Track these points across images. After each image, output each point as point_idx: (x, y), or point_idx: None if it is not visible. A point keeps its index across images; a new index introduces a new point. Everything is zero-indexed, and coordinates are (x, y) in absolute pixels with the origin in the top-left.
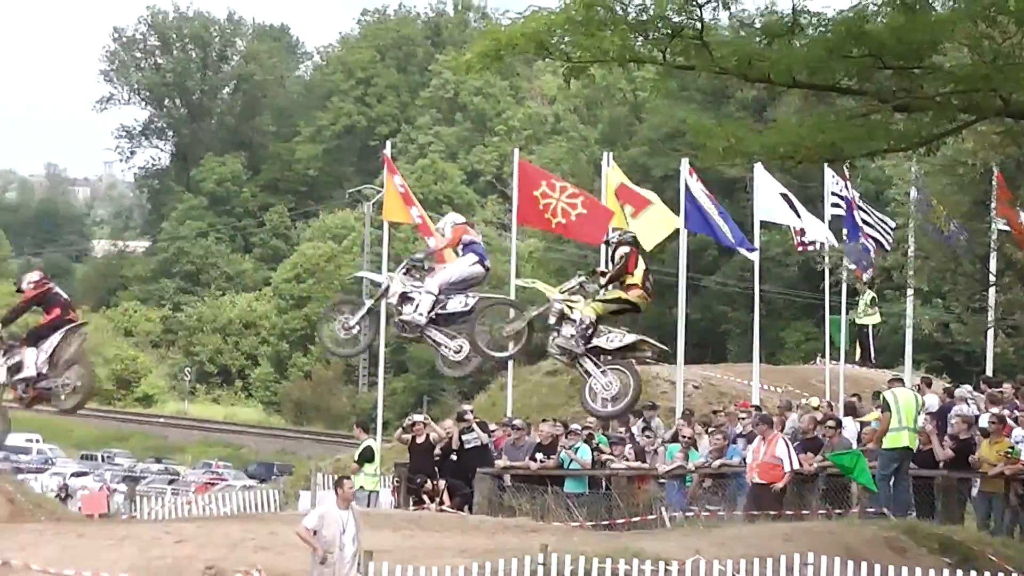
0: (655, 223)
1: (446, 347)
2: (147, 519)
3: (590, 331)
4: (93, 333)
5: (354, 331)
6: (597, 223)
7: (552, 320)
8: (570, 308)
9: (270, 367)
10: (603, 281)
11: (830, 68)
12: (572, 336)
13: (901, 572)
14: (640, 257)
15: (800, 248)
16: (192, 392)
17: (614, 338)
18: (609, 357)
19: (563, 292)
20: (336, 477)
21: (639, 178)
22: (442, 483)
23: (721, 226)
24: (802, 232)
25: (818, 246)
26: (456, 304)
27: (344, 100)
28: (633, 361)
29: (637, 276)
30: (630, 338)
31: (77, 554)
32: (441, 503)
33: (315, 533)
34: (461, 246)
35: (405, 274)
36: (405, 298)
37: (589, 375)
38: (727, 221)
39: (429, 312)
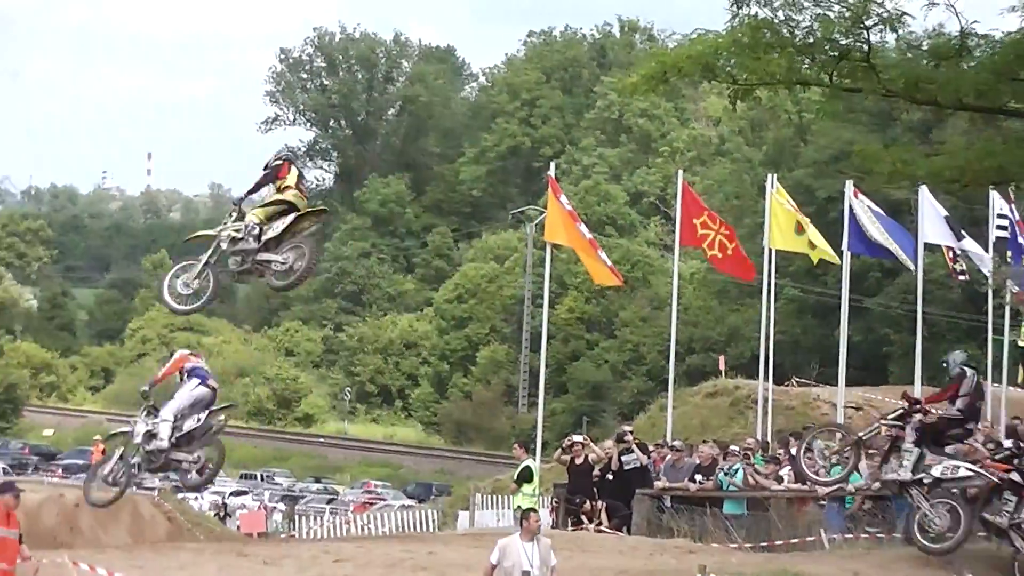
0: (819, 238)
1: (187, 463)
2: (306, 538)
3: (258, 231)
4: (254, 352)
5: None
6: (743, 267)
7: (225, 246)
8: (236, 231)
9: (430, 387)
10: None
11: (998, 90)
12: (248, 243)
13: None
14: (292, 166)
15: (952, 275)
16: (352, 412)
17: (277, 226)
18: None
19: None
20: (523, 510)
21: (803, 200)
22: (601, 504)
23: (889, 245)
24: (955, 259)
25: (967, 275)
26: (191, 423)
27: (509, 121)
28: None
29: (291, 180)
30: (288, 218)
31: (236, 573)
32: (599, 524)
33: (495, 566)
34: (185, 373)
35: (147, 415)
36: (149, 436)
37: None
38: (900, 237)
39: (170, 437)
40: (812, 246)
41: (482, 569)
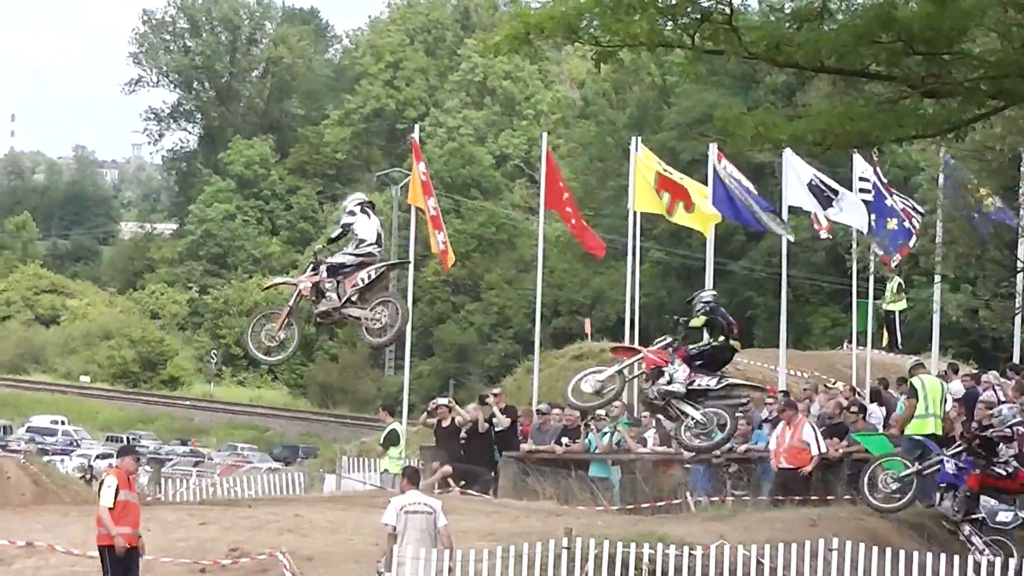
0: (694, 220)
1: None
2: (172, 501)
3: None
4: (119, 315)
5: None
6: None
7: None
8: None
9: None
10: None
11: (859, 54)
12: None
13: (926, 558)
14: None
15: (819, 231)
16: (218, 375)
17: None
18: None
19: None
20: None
21: (667, 163)
22: (448, 468)
23: (752, 210)
24: (817, 219)
25: (831, 237)
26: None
27: (373, 83)
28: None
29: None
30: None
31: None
32: (448, 488)
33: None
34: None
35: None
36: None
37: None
38: (759, 204)
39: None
40: (676, 208)
41: (382, 531)
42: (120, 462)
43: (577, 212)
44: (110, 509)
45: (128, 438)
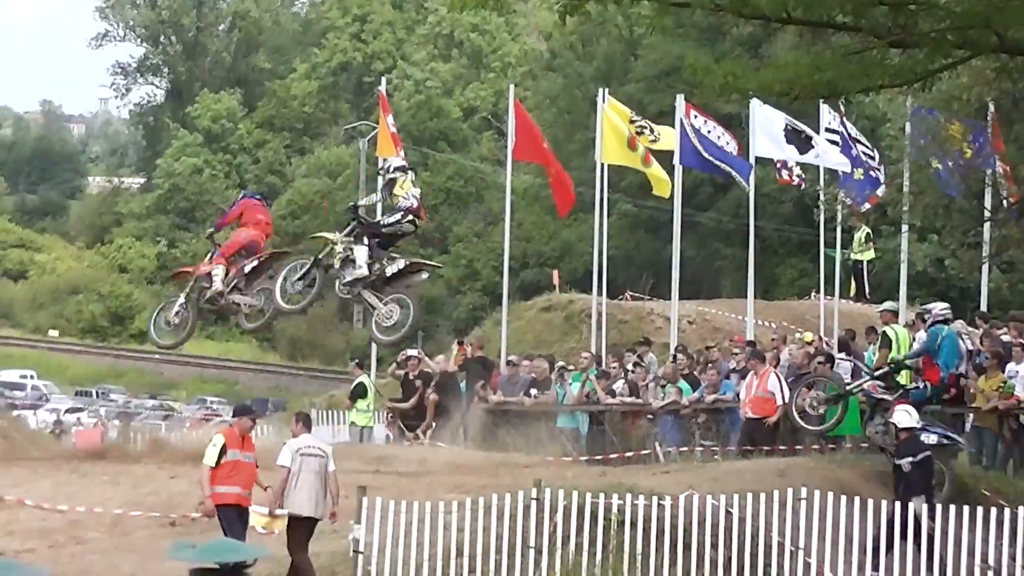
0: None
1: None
2: (141, 455)
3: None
4: (87, 270)
5: None
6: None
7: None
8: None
9: None
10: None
11: (825, 4)
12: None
13: (895, 507)
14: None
15: (789, 180)
16: None
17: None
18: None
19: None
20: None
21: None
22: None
23: (720, 161)
24: (784, 164)
25: (799, 184)
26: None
27: (340, 37)
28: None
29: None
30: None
31: (71, 490)
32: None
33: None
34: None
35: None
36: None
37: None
38: (726, 157)
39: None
40: (647, 163)
41: (279, 472)
42: (235, 422)
43: (556, 163)
44: (212, 468)
45: (97, 392)
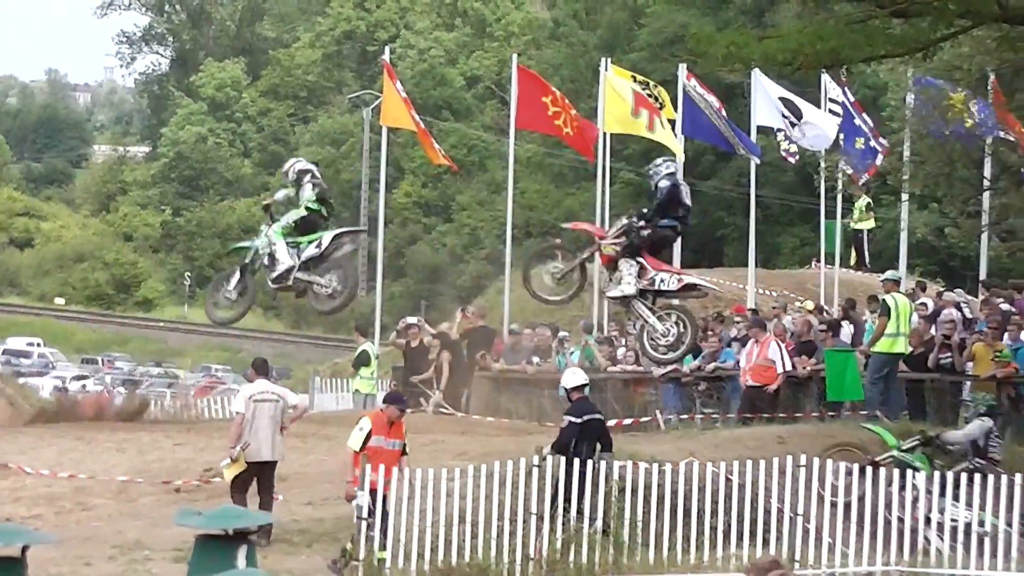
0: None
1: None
2: (147, 422)
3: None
4: (93, 237)
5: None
6: (585, 140)
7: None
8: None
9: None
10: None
11: None
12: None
13: (893, 473)
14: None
15: (784, 157)
16: (191, 296)
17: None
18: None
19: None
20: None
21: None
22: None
23: (723, 131)
24: (787, 138)
25: (799, 158)
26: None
27: (344, 5)
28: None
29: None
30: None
31: (76, 457)
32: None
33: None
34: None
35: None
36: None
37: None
38: (731, 126)
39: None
40: (654, 126)
41: (235, 419)
42: (384, 408)
43: (576, 117)
44: (356, 452)
45: (103, 359)
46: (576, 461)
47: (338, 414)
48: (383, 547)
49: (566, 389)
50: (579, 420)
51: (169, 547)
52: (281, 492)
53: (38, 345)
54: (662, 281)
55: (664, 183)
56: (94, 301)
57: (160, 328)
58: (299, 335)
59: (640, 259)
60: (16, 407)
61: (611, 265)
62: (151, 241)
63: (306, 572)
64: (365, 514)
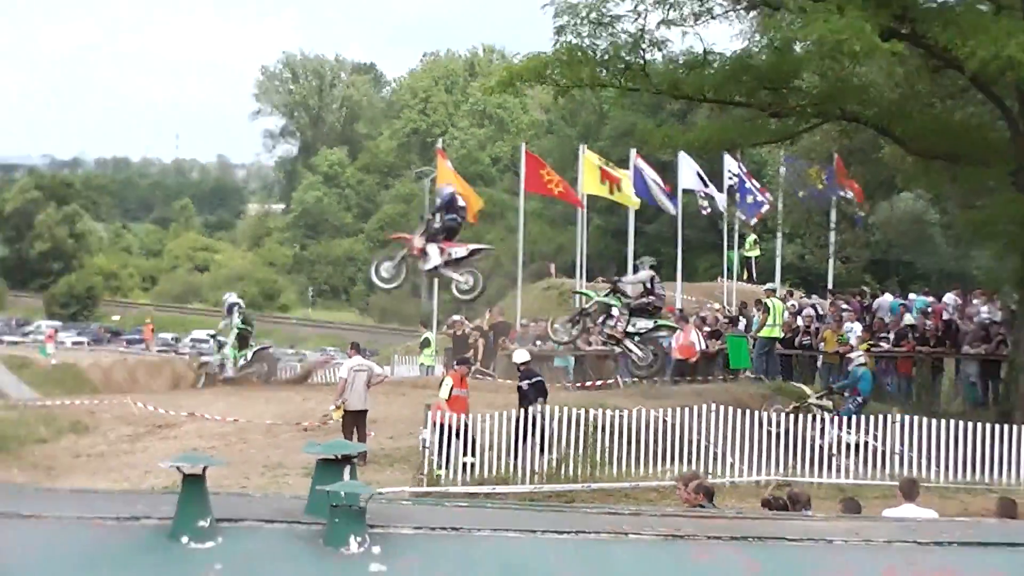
0: (624, 199)
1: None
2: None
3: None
4: (248, 264)
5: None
6: (570, 197)
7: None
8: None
9: (363, 285)
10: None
11: (729, 89)
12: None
13: (772, 416)
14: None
15: (701, 209)
16: (313, 303)
17: (460, 251)
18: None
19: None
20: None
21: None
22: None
23: (656, 196)
24: (707, 197)
25: (711, 210)
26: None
27: (411, 112)
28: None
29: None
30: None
31: (237, 408)
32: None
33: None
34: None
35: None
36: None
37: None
38: (662, 192)
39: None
40: (614, 191)
41: (340, 381)
42: (456, 368)
43: (562, 181)
44: (446, 400)
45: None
46: (529, 408)
47: (409, 379)
48: (440, 466)
49: (516, 364)
50: (530, 382)
51: (300, 467)
52: (372, 430)
53: (213, 337)
54: (455, 251)
55: (439, 201)
56: (249, 307)
57: (292, 324)
58: (383, 327)
59: (438, 244)
60: (197, 376)
61: (421, 253)
62: (286, 266)
63: (389, 482)
64: (427, 444)
